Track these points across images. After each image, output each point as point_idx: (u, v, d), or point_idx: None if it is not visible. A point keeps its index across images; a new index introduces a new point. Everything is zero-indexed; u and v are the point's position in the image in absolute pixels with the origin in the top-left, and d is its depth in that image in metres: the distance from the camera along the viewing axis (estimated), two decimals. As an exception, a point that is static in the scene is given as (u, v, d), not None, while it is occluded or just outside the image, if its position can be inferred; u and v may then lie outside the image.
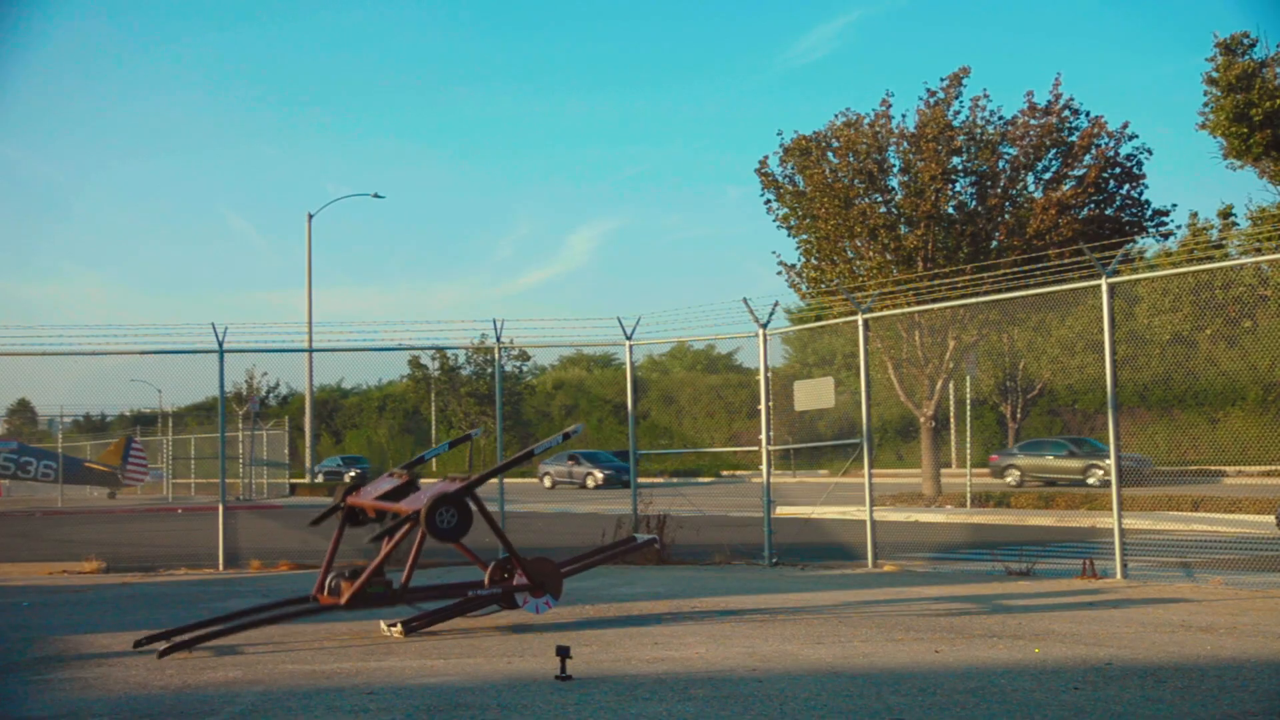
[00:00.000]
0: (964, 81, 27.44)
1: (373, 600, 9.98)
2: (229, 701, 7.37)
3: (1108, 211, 27.32)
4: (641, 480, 18.42)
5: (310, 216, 49.90)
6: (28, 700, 7.58)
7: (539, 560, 10.53)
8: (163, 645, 9.19)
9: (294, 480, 46.22)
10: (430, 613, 10.26)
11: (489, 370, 58.17)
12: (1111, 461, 13.37)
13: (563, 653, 7.97)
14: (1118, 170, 27.24)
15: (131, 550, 20.12)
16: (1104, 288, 13.40)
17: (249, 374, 61.49)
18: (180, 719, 6.92)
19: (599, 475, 44.98)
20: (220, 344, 17.09)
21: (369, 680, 8.00)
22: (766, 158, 29.48)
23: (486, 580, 10.50)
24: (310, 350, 21.02)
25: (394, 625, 10.10)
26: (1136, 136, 27.27)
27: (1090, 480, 32.33)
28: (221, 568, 16.90)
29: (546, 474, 47.12)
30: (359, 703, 7.29)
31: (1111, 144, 27.14)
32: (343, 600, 9.84)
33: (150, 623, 11.17)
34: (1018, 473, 34.91)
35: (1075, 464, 33.84)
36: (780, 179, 29.35)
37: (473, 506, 10.08)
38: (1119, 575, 13.26)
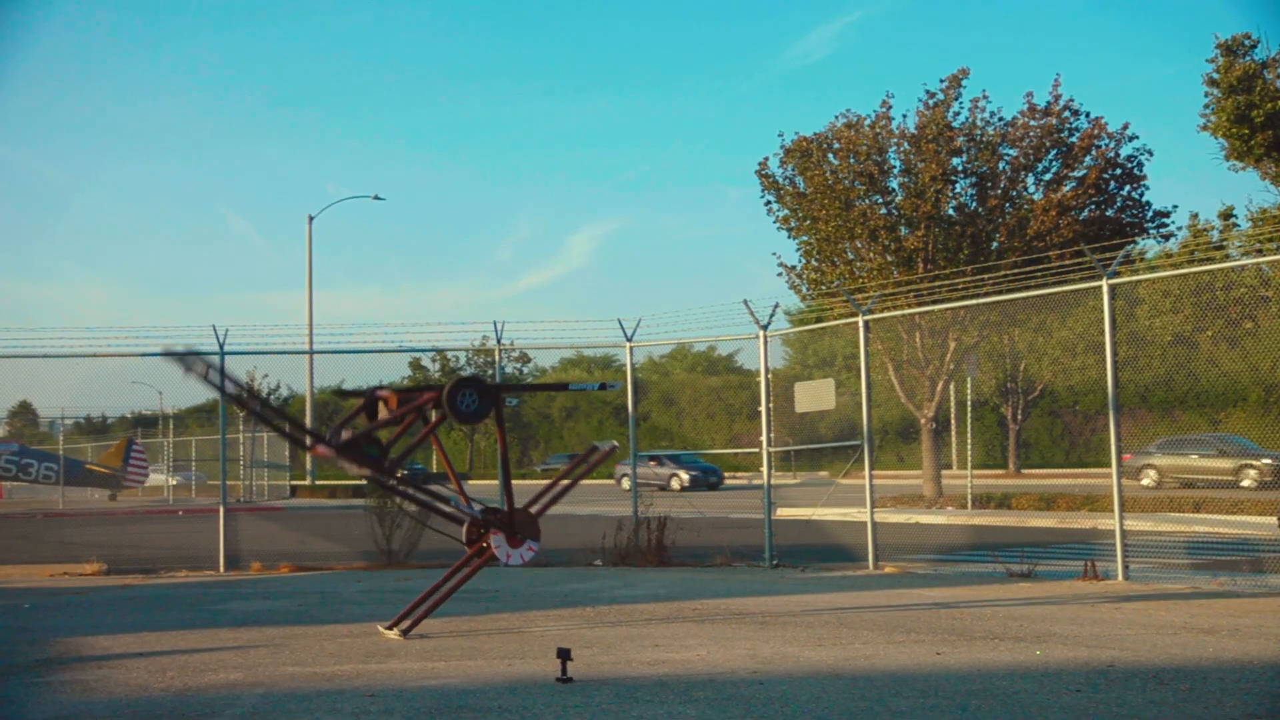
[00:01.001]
0: (963, 83, 27.44)
1: (365, 457, 9.94)
2: (230, 704, 7.37)
3: (1108, 213, 27.31)
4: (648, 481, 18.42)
5: (311, 218, 49.90)
6: (29, 703, 7.58)
7: (513, 511, 10.36)
8: (407, 624, 9.87)
9: (295, 482, 46.17)
10: (419, 600, 10.22)
11: (489, 372, 58.05)
12: (1113, 463, 13.35)
13: (564, 655, 7.96)
14: (1118, 171, 27.24)
15: (132, 552, 20.12)
16: (1105, 289, 13.39)
17: (250, 375, 61.37)
18: (181, 721, 6.91)
19: (684, 477, 42.33)
20: (221, 346, 17.09)
21: (370, 682, 7.99)
22: (766, 159, 29.51)
23: (464, 535, 10.44)
24: (311, 352, 21.05)
25: (392, 628, 10.08)
26: (1137, 138, 27.32)
27: (1244, 483, 28.84)
28: (222, 570, 16.90)
29: (625, 475, 42.81)
30: (360, 705, 7.28)
31: (1112, 145, 27.14)
32: (338, 441, 9.82)
33: (151, 624, 11.18)
34: (1154, 474, 31.64)
35: (1226, 464, 30.38)
36: (781, 180, 29.35)
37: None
38: (1121, 577, 13.25)
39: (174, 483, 45.06)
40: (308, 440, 10.15)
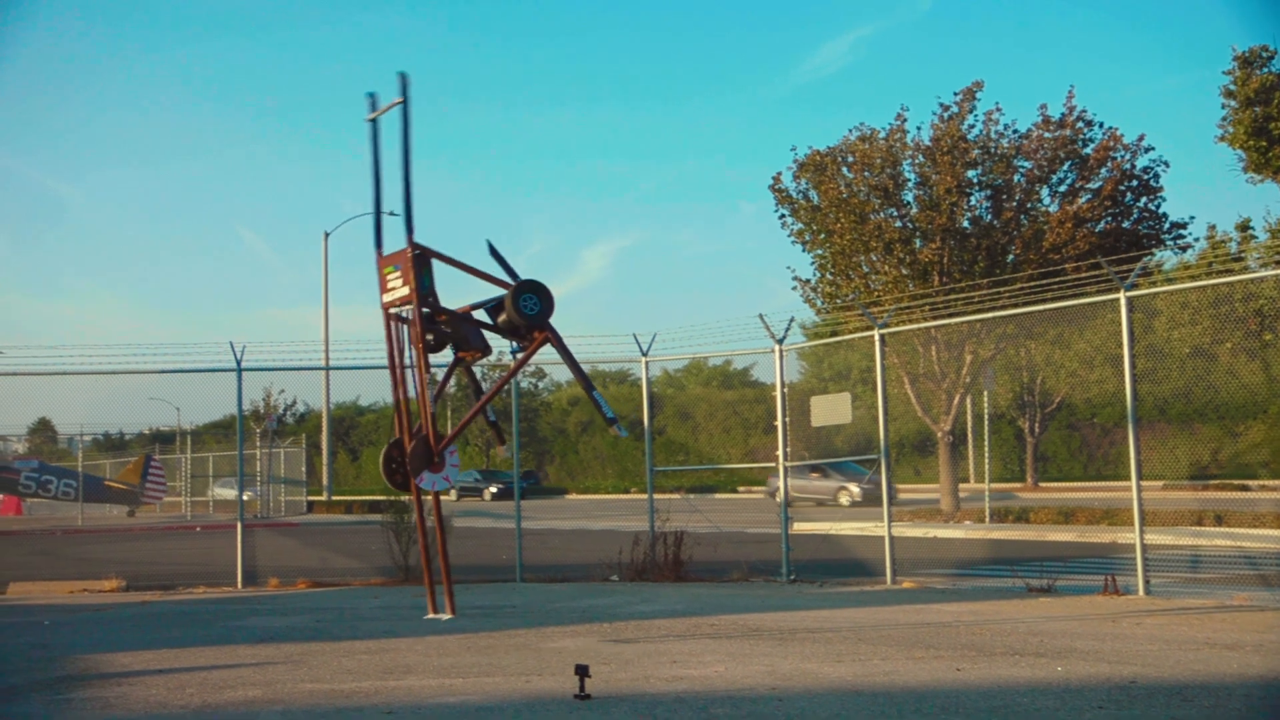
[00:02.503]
0: (977, 95, 27.41)
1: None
2: (249, 721, 7.37)
3: (1125, 224, 27.23)
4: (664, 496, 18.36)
5: (327, 235, 50.11)
6: (48, 720, 7.59)
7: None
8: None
9: (311, 498, 46.26)
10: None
11: (504, 387, 58.13)
12: (1133, 478, 13.27)
13: (581, 671, 7.94)
14: (1134, 183, 27.16)
15: (151, 568, 20.18)
16: (1123, 301, 13.33)
17: (266, 392, 61.68)
18: (200, 739, 6.91)
19: (855, 490, 36.60)
20: (238, 362, 17.15)
21: (389, 699, 7.99)
22: (780, 174, 29.51)
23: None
24: (327, 368, 21.11)
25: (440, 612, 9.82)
26: (1153, 149, 27.25)
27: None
28: (240, 586, 16.93)
29: (779, 488, 38.66)
30: (379, 722, 7.27)
31: (1128, 157, 27.07)
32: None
33: (170, 641, 11.20)
34: None
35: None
36: (794, 195, 29.35)
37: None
38: (1141, 591, 13.16)
39: (246, 497, 45.16)
40: None
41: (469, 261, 10.03)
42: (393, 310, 9.77)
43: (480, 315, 10.57)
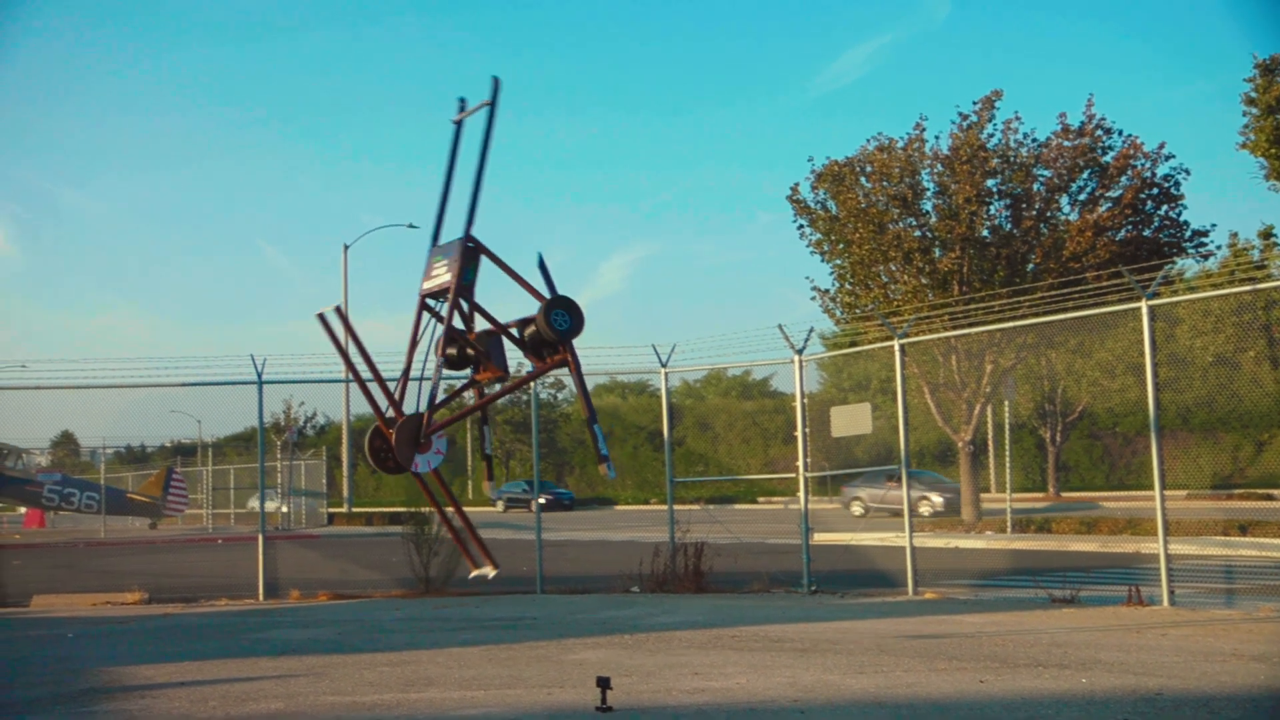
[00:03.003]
0: (996, 104, 27.35)
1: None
2: (271, 734, 7.38)
3: (1145, 233, 27.10)
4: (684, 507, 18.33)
5: (346, 247, 50.33)
6: (72, 733, 7.62)
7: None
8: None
9: (332, 510, 46.40)
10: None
11: (524, 398, 58.20)
12: (1156, 487, 13.18)
13: (603, 684, 7.92)
14: (1155, 191, 27.04)
15: (173, 581, 20.25)
16: (1144, 310, 13.26)
17: (287, 404, 61.88)
18: (223, 752, 6.93)
19: (937, 500, 34.35)
20: (259, 375, 17.21)
21: (410, 712, 7.99)
22: (797, 185, 29.51)
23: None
24: (347, 380, 21.09)
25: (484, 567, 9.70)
26: (1174, 157, 27.10)
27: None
28: (261, 598, 16.97)
29: (856, 499, 35.88)
30: (400, 735, 7.27)
31: (1148, 165, 26.95)
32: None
33: (192, 653, 11.23)
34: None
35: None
36: (812, 205, 29.33)
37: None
38: (1166, 602, 13.06)
39: (285, 510, 45.56)
40: None
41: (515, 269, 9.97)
42: (428, 300, 9.72)
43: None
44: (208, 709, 8.29)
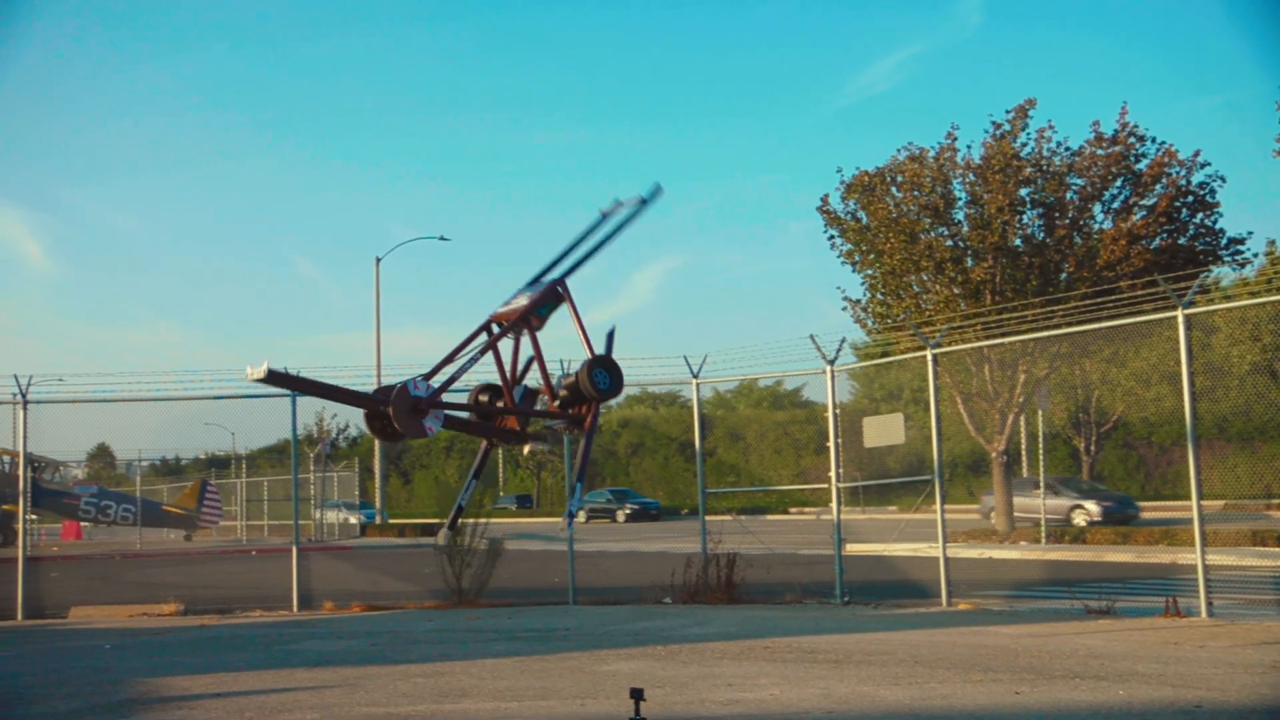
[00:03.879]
0: (1030, 113, 27.22)
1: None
2: (307, 744, 7.43)
3: (1181, 241, 26.88)
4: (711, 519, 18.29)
5: (378, 260, 50.62)
6: (111, 743, 7.69)
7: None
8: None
9: (364, 521, 46.63)
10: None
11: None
12: (1193, 497, 13.06)
13: (636, 695, 7.91)
14: (1190, 199, 26.83)
15: (208, 592, 20.40)
16: (1180, 319, 13.16)
17: (319, 416, 62.31)
18: (260, 762, 6.97)
19: (1092, 509, 31.52)
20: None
21: (444, 723, 8.01)
22: (827, 195, 29.46)
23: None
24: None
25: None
26: (1209, 164, 26.86)
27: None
28: (296, 609, 17.06)
29: (994, 508, 31.77)
30: (435, 746, 7.30)
31: (1183, 172, 26.74)
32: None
33: (228, 664, 11.31)
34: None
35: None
36: (843, 215, 29.28)
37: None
38: (1204, 613, 12.93)
39: (354, 520, 46.23)
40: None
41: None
42: (493, 325, 9.84)
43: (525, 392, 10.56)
44: (244, 719, 8.35)
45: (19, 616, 16.88)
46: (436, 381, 9.15)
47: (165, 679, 10.51)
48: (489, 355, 9.60)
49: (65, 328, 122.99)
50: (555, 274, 9.95)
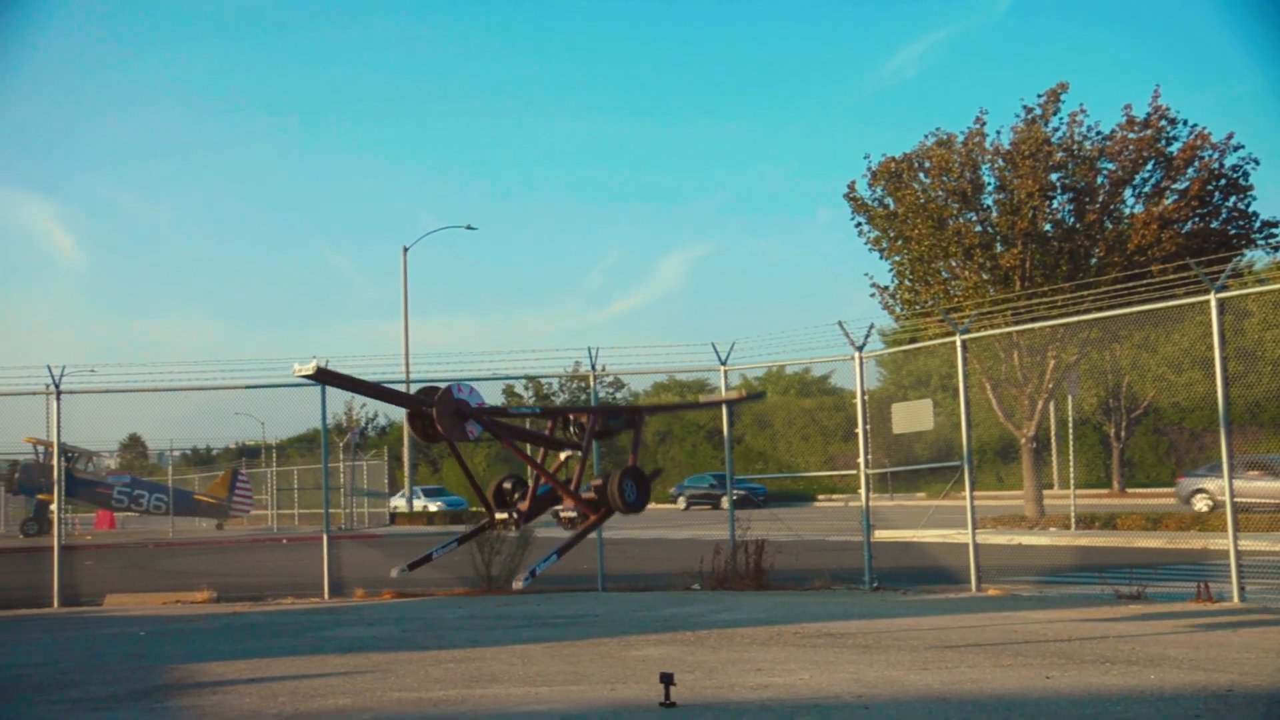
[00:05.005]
0: (1062, 97, 27.01)
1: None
2: (340, 728, 7.50)
3: (1213, 224, 26.64)
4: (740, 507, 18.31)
5: (406, 249, 50.79)
6: (147, 727, 7.79)
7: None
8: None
9: (394, 510, 46.87)
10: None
11: (583, 397, 58.39)
12: (1225, 482, 12.98)
13: (666, 680, 7.95)
14: (1223, 182, 26.57)
15: (240, 580, 20.58)
16: (1213, 303, 13.05)
17: (348, 405, 62.77)
18: (294, 746, 7.05)
19: None
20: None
21: (475, 708, 8.07)
22: (854, 182, 29.35)
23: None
24: (408, 382, 21.28)
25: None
26: (1242, 147, 26.58)
27: None
28: (327, 596, 17.20)
29: (1200, 491, 29.18)
30: (467, 730, 7.35)
31: (1216, 156, 26.47)
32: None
33: (261, 651, 11.42)
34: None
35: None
36: (870, 202, 29.16)
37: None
38: (1236, 598, 12.85)
39: (435, 508, 46.85)
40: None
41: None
42: (568, 416, 10.96)
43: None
44: (277, 704, 8.44)
45: (55, 604, 17.10)
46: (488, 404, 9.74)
47: (199, 664, 10.62)
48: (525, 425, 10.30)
49: (95, 319, 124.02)
50: (643, 408, 10.73)
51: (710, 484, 49.16)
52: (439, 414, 9.15)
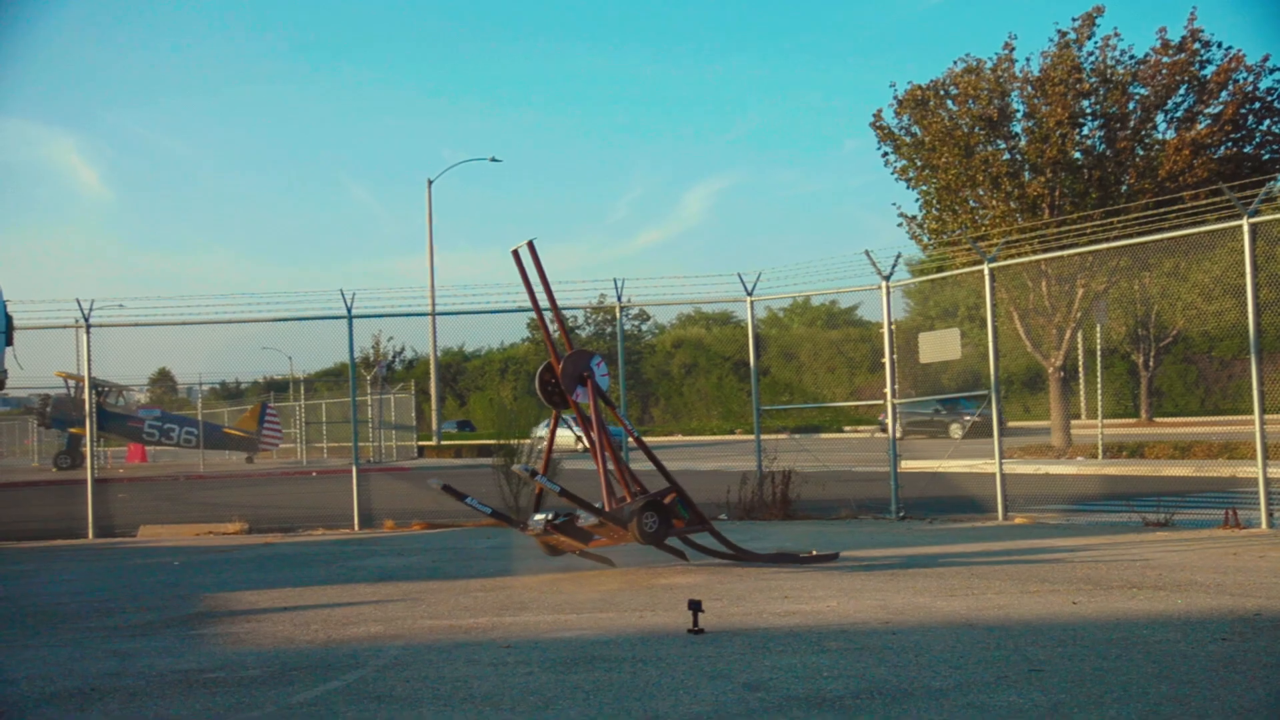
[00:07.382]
0: (1097, 20, 26.50)
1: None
2: (374, 655, 7.60)
3: (1246, 149, 26.21)
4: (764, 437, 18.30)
5: (430, 182, 50.67)
6: (185, 653, 7.92)
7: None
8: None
9: (421, 443, 47.21)
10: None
11: (608, 330, 58.41)
12: (1255, 410, 12.89)
13: (695, 607, 8.01)
14: (1257, 105, 26.09)
15: (271, 512, 20.83)
16: (1245, 228, 12.88)
17: (375, 339, 62.99)
18: (329, 671, 7.15)
19: None
20: (349, 310, 17.50)
21: (506, 634, 8.16)
22: (880, 110, 28.97)
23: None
24: (433, 314, 21.36)
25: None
26: (1278, 69, 26.04)
27: None
28: (357, 528, 17.40)
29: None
30: (497, 655, 7.44)
31: (1250, 79, 25.97)
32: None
33: (293, 580, 11.58)
34: None
35: None
36: (897, 131, 28.81)
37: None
38: (1264, 525, 12.82)
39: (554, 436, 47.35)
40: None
41: None
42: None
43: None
44: (310, 632, 8.56)
45: (90, 535, 17.38)
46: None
47: (233, 594, 10.78)
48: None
49: (124, 255, 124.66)
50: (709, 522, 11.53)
51: (935, 409, 42.03)
52: (565, 368, 10.48)
